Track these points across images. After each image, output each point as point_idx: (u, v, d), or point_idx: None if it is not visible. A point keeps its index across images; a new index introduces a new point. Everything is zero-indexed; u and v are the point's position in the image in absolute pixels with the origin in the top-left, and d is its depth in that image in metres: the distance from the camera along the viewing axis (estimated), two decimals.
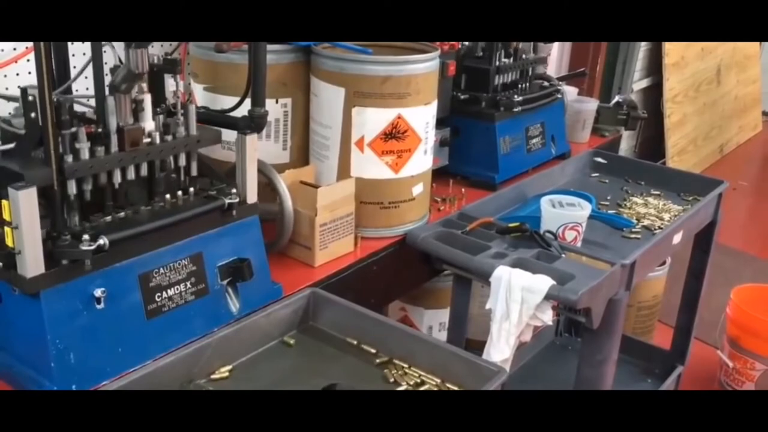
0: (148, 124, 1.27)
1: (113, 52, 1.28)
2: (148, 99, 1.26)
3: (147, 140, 1.25)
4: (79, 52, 1.64)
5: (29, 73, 1.62)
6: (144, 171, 1.27)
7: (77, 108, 1.33)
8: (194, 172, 1.35)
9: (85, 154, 1.16)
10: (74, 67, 1.43)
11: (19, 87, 1.15)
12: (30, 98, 1.11)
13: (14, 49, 1.59)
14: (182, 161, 1.32)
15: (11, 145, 1.17)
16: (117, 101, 1.21)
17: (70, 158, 1.14)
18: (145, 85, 1.26)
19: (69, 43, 1.32)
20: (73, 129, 1.15)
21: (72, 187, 1.16)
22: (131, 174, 1.24)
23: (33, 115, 1.12)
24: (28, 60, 1.61)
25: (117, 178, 1.22)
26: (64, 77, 1.34)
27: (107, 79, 1.23)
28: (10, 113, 1.24)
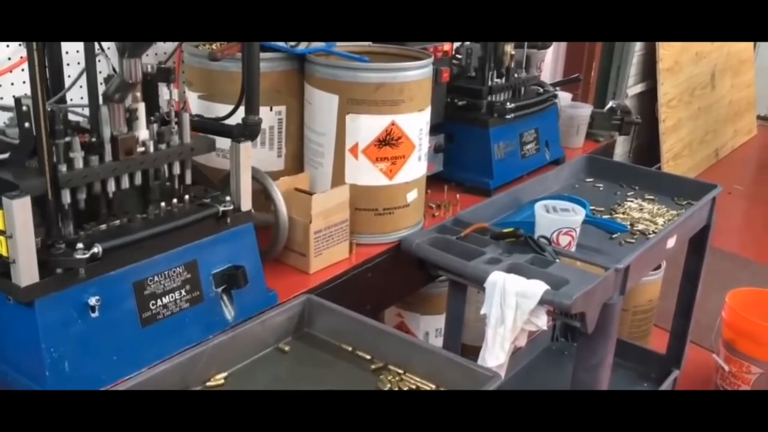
0: (142, 132, 1.27)
1: (107, 62, 1.28)
2: (141, 108, 1.26)
3: (141, 149, 1.25)
4: (73, 61, 1.65)
5: (24, 82, 1.63)
6: (138, 180, 1.27)
7: (71, 117, 1.34)
8: (188, 180, 1.36)
9: (79, 164, 1.16)
10: (68, 76, 1.44)
11: (13, 96, 1.15)
12: (24, 108, 1.11)
13: (9, 59, 1.60)
14: (176, 170, 1.33)
15: (5, 155, 1.17)
16: (111, 111, 1.22)
17: (64, 168, 1.14)
18: (138, 95, 1.26)
19: (63, 53, 1.32)
20: (67, 138, 1.15)
21: (66, 196, 1.16)
22: (125, 183, 1.24)
23: (27, 125, 1.12)
24: (23, 69, 1.61)
25: (111, 187, 1.22)
26: (59, 86, 1.34)
27: (101, 87, 1.23)
28: (5, 122, 1.24)
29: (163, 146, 1.29)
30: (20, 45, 1.60)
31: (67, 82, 1.38)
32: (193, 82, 1.73)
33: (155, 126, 1.29)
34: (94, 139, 1.20)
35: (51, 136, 1.11)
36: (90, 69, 1.20)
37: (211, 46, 1.72)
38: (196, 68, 1.70)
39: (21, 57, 1.60)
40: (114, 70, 1.24)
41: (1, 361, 1.20)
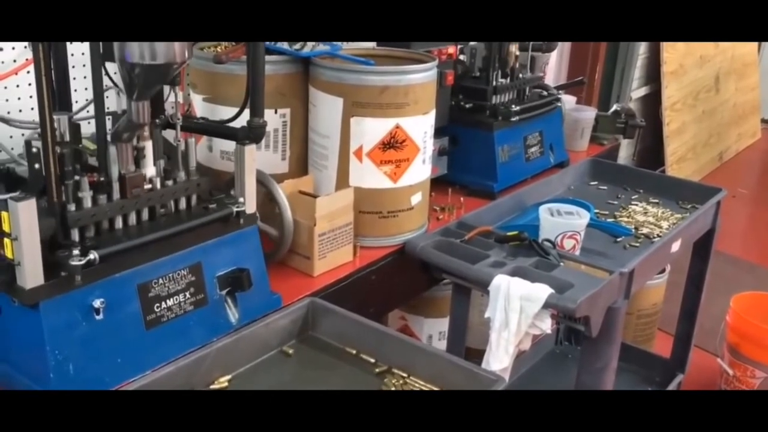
0: (149, 170, 1.28)
1: (117, 100, 1.30)
2: (149, 146, 1.28)
3: (148, 186, 1.27)
4: (78, 63, 1.66)
5: (29, 84, 1.63)
6: (145, 215, 1.28)
7: (75, 119, 1.34)
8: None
9: (88, 203, 1.18)
10: (74, 78, 1.44)
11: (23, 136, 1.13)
12: (34, 150, 1.12)
13: (14, 61, 1.60)
14: (182, 204, 1.34)
15: (16, 194, 1.18)
16: (119, 150, 1.23)
17: (72, 207, 1.15)
18: (146, 134, 1.27)
19: (72, 88, 1.33)
20: (76, 178, 1.16)
21: (75, 235, 1.16)
22: (132, 219, 1.26)
23: (36, 166, 1.13)
24: (28, 72, 1.61)
25: (118, 223, 1.24)
26: (64, 89, 1.33)
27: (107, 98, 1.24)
28: (12, 148, 1.22)
29: (170, 183, 1.30)
30: (26, 47, 1.61)
31: (72, 84, 1.38)
32: (198, 85, 1.73)
33: (162, 162, 1.31)
34: (102, 179, 1.22)
35: (60, 178, 1.12)
36: (98, 108, 1.20)
37: (215, 48, 1.72)
38: (200, 71, 1.71)
39: (26, 59, 1.60)
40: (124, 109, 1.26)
41: (6, 364, 1.20)
